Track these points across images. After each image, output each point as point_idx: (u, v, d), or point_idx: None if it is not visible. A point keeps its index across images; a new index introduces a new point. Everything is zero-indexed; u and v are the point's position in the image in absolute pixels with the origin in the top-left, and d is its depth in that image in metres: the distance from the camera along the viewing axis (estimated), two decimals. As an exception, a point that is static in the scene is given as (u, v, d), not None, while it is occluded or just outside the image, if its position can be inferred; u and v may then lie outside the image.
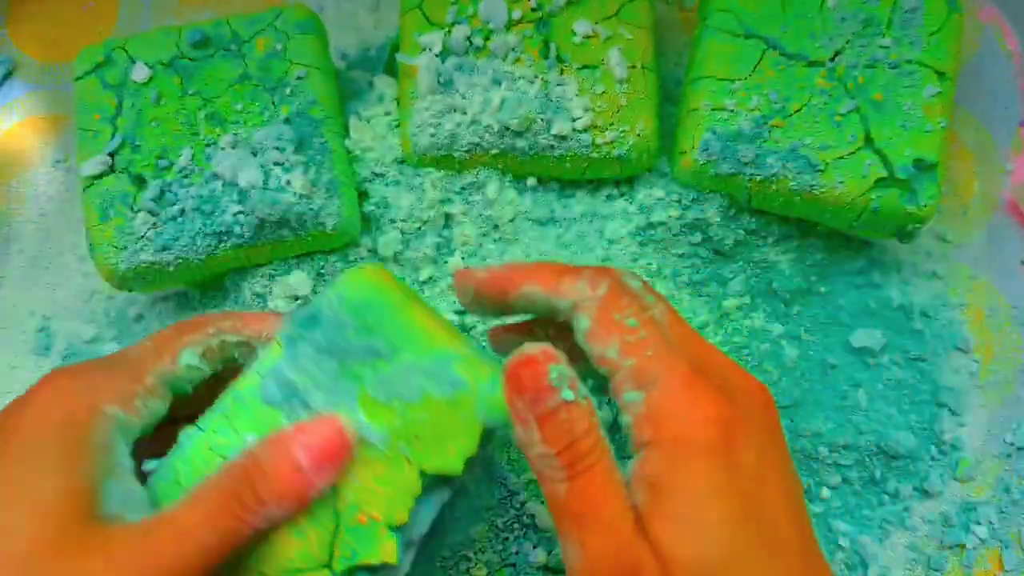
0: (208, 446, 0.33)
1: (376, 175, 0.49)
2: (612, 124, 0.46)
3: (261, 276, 0.48)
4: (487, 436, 0.33)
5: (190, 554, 0.29)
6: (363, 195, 0.49)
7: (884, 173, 0.44)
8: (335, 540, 0.32)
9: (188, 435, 0.34)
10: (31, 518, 0.29)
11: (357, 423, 0.32)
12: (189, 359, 0.35)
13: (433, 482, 0.33)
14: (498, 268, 0.35)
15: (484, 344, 0.46)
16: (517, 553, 0.45)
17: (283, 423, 0.33)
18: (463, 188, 0.48)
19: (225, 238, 0.45)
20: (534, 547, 0.46)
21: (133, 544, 0.29)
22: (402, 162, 0.49)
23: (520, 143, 0.46)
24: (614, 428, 0.40)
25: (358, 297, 0.34)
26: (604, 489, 0.29)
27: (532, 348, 0.30)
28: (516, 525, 0.46)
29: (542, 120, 0.46)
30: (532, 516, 0.46)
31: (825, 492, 0.48)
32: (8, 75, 0.56)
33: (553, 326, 0.37)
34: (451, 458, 0.32)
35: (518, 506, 0.46)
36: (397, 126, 0.50)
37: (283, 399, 0.33)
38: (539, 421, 0.29)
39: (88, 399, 0.32)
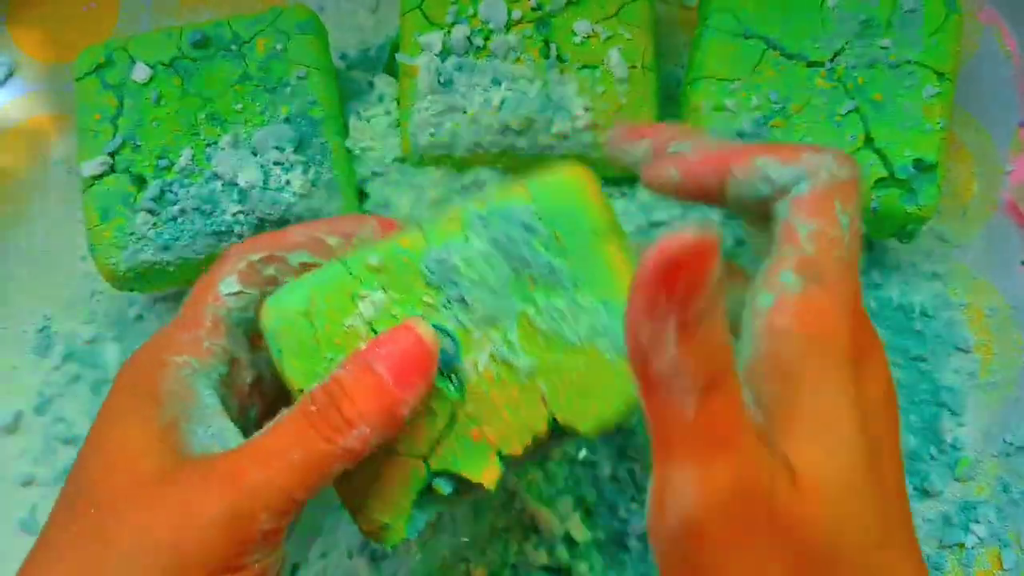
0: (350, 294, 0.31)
1: (376, 175, 0.49)
2: (612, 124, 0.46)
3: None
4: (625, 416, 0.31)
5: (278, 477, 0.28)
6: (363, 195, 0.49)
7: (884, 173, 0.44)
8: (442, 439, 0.31)
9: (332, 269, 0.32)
10: (116, 465, 0.29)
11: (508, 343, 0.30)
12: (227, 288, 0.34)
13: (555, 434, 0.31)
14: (721, 148, 0.30)
15: None
16: (517, 553, 0.45)
17: (435, 305, 0.31)
18: (463, 188, 0.48)
19: (225, 238, 0.45)
20: (534, 548, 0.46)
21: (221, 469, 0.29)
22: (402, 162, 0.49)
23: (520, 143, 0.46)
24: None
25: (559, 206, 0.31)
26: (737, 411, 0.25)
27: (699, 233, 0.22)
28: (516, 525, 0.46)
29: (542, 120, 0.46)
30: (532, 516, 0.46)
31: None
32: (9, 75, 0.56)
33: None
34: (587, 419, 0.31)
35: (518, 506, 0.46)
36: (397, 126, 0.50)
37: (440, 280, 0.31)
38: (682, 326, 0.23)
39: (151, 354, 0.32)
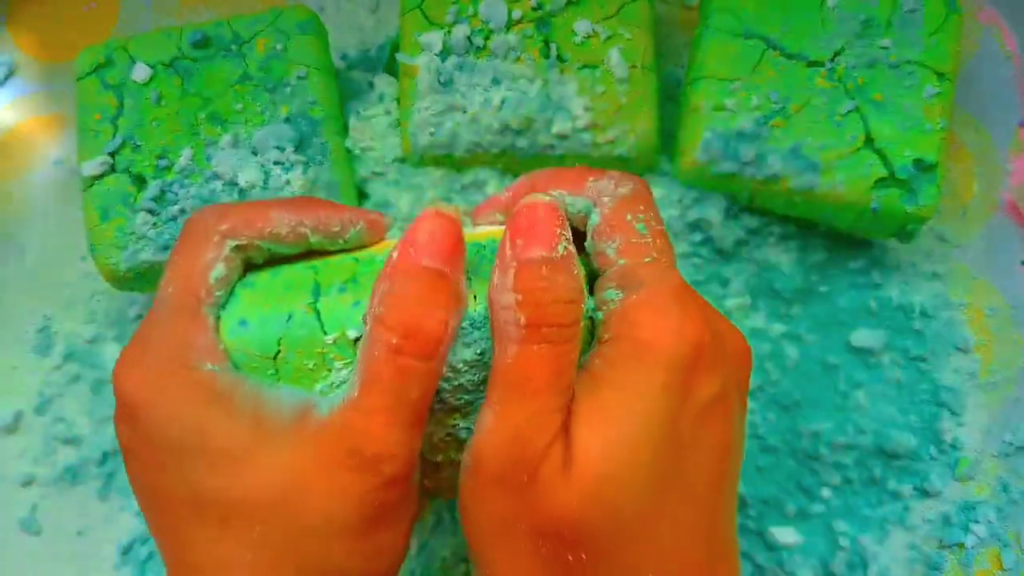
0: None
1: (376, 174, 0.49)
2: (612, 124, 0.46)
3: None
4: None
5: (399, 416, 0.28)
6: (363, 195, 0.49)
7: (884, 173, 0.44)
8: None
9: None
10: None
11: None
12: (218, 275, 0.32)
13: None
14: (518, 183, 0.32)
15: None
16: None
17: None
18: (463, 188, 0.48)
19: (225, 237, 0.45)
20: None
21: (338, 428, 0.28)
22: (402, 162, 0.49)
23: (520, 142, 0.46)
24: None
25: None
26: (553, 373, 0.27)
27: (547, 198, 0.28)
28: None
29: (542, 120, 0.46)
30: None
31: (825, 492, 0.48)
32: (9, 75, 0.56)
33: None
34: None
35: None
36: (397, 126, 0.50)
37: None
38: (520, 266, 0.27)
39: (169, 367, 0.31)
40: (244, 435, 0.28)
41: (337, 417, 0.28)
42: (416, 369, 0.28)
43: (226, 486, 0.28)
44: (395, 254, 0.29)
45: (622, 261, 0.29)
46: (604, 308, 0.29)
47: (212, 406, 0.29)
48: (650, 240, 0.29)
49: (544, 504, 0.26)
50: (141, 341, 0.32)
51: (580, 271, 0.29)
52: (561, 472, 0.26)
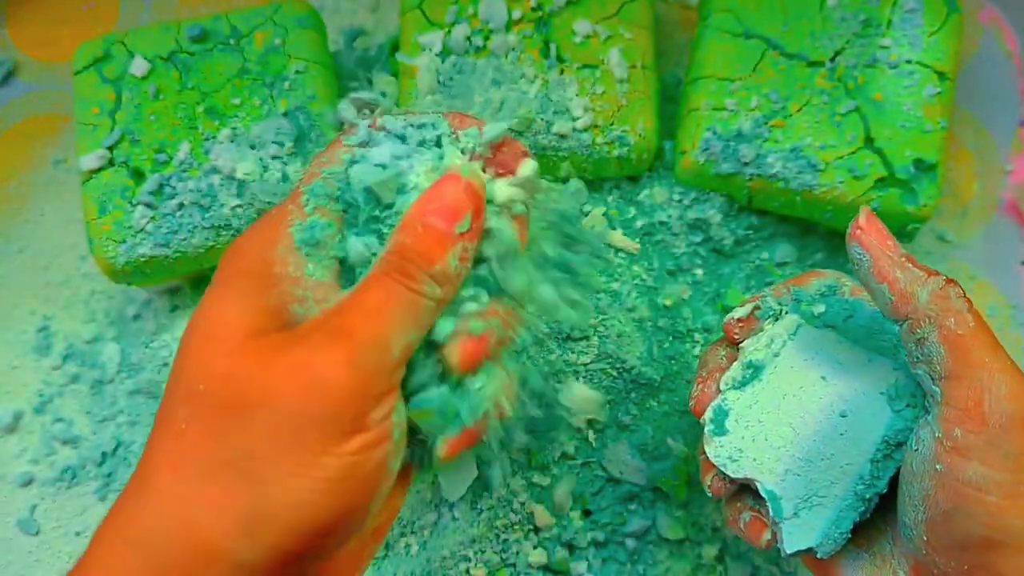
0: None
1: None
2: (612, 124, 0.46)
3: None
4: None
5: (386, 329, 0.29)
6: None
7: (884, 173, 0.44)
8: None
9: None
10: (231, 338, 0.29)
11: None
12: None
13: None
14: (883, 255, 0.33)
15: None
16: (517, 553, 0.45)
17: None
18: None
19: (223, 231, 0.45)
20: (534, 547, 0.46)
21: (333, 327, 0.29)
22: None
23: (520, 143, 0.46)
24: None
25: None
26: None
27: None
28: (516, 525, 0.46)
29: (542, 120, 0.46)
30: (532, 516, 0.46)
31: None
32: (8, 75, 0.56)
33: None
34: None
35: (518, 506, 0.46)
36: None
37: None
38: (909, 258, 0.31)
39: (263, 235, 0.31)
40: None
41: (338, 315, 0.29)
42: (416, 282, 0.30)
43: (220, 365, 0.28)
44: (411, 210, 0.31)
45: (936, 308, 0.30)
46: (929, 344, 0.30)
47: (245, 298, 0.30)
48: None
49: None
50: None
51: None
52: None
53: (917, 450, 0.30)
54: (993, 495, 0.28)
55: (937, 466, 0.29)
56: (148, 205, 0.45)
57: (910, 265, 0.31)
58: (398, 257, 0.30)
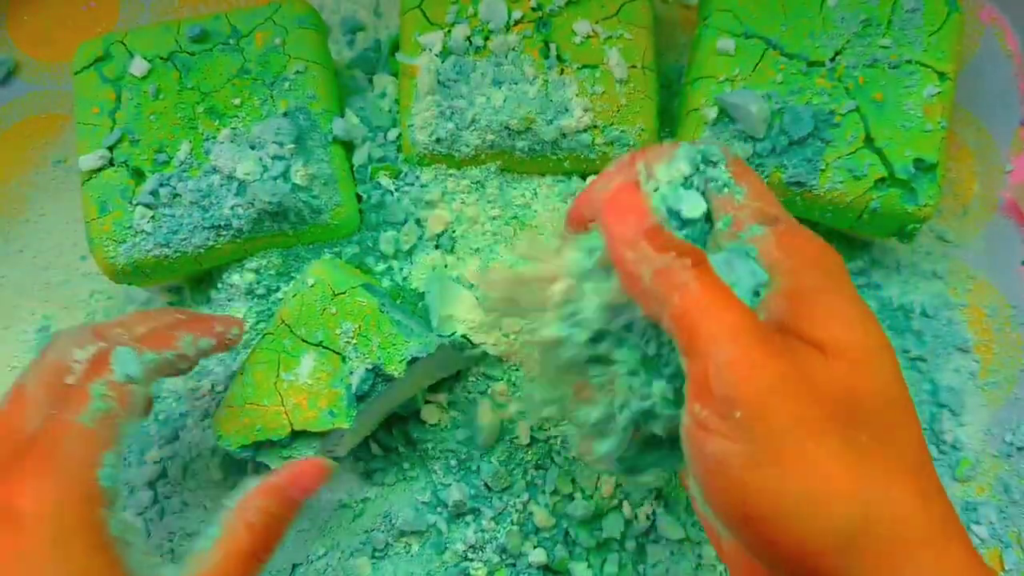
0: None
1: (375, 173, 0.49)
2: (612, 124, 0.46)
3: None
4: None
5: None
6: (361, 196, 0.49)
7: (884, 173, 0.44)
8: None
9: None
10: None
11: None
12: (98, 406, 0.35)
13: None
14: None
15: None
16: (517, 553, 0.45)
17: None
18: (463, 187, 0.48)
19: (223, 231, 0.45)
20: (534, 547, 0.46)
21: None
22: (403, 161, 0.49)
23: (520, 143, 0.46)
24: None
25: None
26: (720, 281, 0.29)
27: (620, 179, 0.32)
28: (516, 525, 0.46)
29: (542, 120, 0.46)
30: (532, 516, 0.46)
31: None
32: (8, 75, 0.56)
33: None
34: None
35: (518, 506, 0.46)
36: (397, 125, 0.50)
37: None
38: (648, 235, 0.29)
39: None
40: None
41: None
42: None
43: None
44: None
45: (757, 203, 0.32)
46: (757, 239, 0.31)
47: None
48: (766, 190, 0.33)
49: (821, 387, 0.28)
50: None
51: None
52: (823, 360, 0.28)
53: (683, 431, 0.29)
54: (735, 468, 0.27)
55: (689, 444, 0.28)
56: (148, 205, 0.45)
57: (644, 244, 0.29)
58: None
